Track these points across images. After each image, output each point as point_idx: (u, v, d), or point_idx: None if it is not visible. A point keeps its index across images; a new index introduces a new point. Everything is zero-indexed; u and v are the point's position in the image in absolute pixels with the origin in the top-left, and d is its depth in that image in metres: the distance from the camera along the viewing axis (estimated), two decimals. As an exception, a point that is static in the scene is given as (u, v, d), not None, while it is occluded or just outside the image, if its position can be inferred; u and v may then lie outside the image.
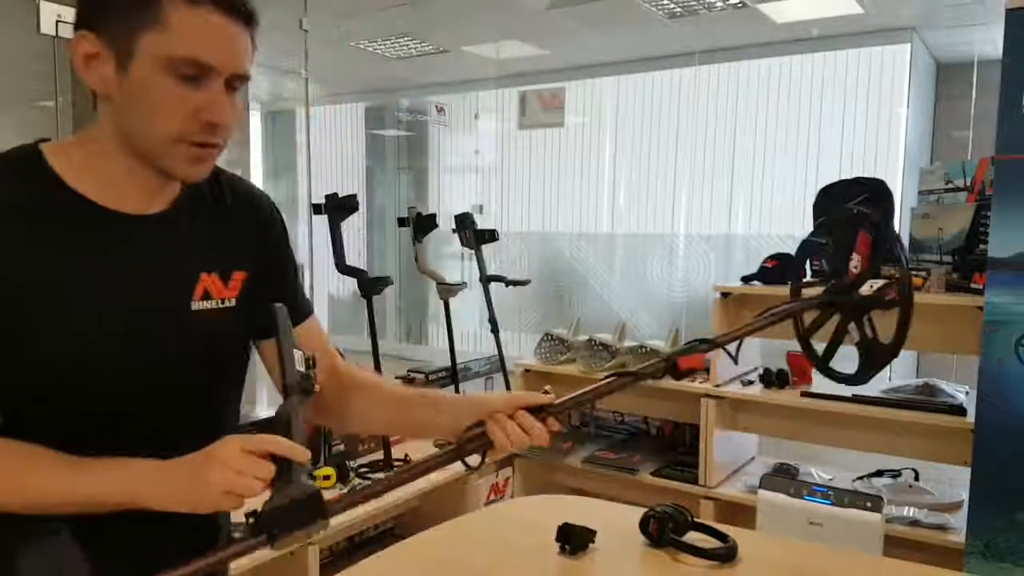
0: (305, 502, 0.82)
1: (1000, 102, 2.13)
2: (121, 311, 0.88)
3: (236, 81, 0.87)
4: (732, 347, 1.19)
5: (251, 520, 0.81)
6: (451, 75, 6.52)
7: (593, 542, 1.48)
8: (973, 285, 2.33)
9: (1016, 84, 2.11)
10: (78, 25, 0.85)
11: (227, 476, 0.79)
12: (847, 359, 1.32)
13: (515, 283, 3.71)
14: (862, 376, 1.27)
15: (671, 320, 5.99)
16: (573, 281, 6.68)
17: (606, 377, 1.07)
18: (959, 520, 2.40)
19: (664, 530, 1.48)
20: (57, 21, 3.14)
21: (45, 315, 0.83)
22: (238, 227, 1.00)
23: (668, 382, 2.87)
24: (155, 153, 0.86)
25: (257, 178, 6.12)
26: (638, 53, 5.98)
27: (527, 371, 3.20)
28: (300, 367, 0.90)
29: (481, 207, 6.82)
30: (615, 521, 1.56)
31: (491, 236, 3.56)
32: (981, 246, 2.30)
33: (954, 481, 2.64)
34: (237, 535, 0.84)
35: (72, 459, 0.83)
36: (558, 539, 1.47)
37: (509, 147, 6.77)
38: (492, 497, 3.06)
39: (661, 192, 6.19)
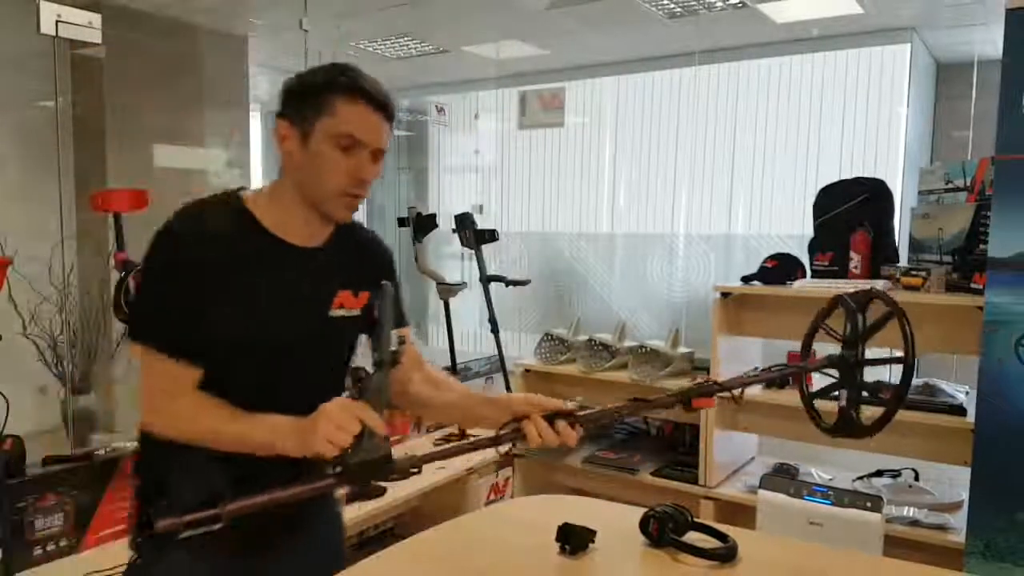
0: (380, 460, 1.08)
1: (1000, 102, 2.13)
2: (287, 307, 1.26)
3: (378, 153, 1.25)
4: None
5: (339, 469, 1.08)
6: (451, 75, 6.52)
7: (593, 542, 1.48)
8: (973, 285, 2.33)
9: (1016, 84, 2.11)
10: (279, 115, 1.25)
11: (330, 429, 1.08)
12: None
13: (515, 283, 3.71)
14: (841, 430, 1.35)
15: (671, 320, 5.98)
16: (573, 281, 6.67)
17: (628, 400, 1.33)
18: (959, 520, 2.40)
19: (664, 530, 1.48)
20: (57, 21, 3.13)
21: (243, 302, 1.21)
22: (364, 260, 1.40)
23: (669, 382, 2.88)
24: (321, 201, 1.25)
25: (257, 178, 6.11)
26: (638, 53, 5.98)
27: (527, 371, 3.19)
28: (393, 346, 1.17)
29: (481, 207, 6.81)
30: (615, 521, 1.56)
31: (491, 236, 3.56)
32: (981, 246, 2.30)
33: (954, 481, 2.64)
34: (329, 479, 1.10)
35: (239, 412, 1.18)
36: (558, 539, 1.47)
37: (509, 147, 6.77)
38: (492, 497, 3.06)
39: (661, 192, 6.18)
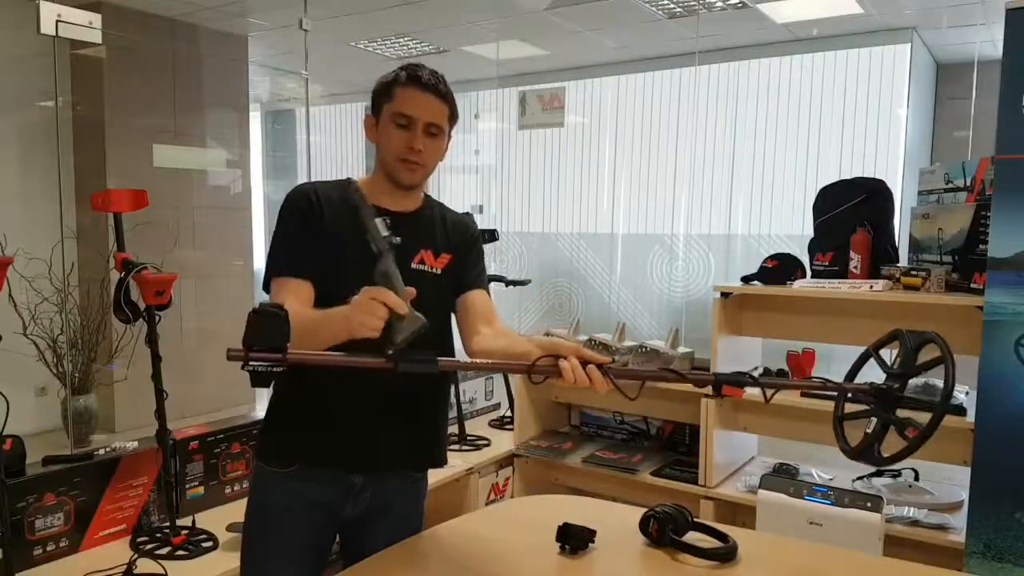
0: (418, 330, 1.23)
1: (1000, 102, 2.13)
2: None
3: (432, 128, 1.49)
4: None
5: (391, 352, 1.23)
6: (451, 75, 6.48)
7: (593, 542, 1.48)
8: (973, 285, 2.33)
9: (1016, 84, 2.11)
10: (369, 111, 1.57)
11: (361, 316, 1.23)
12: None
13: (515, 283, 3.71)
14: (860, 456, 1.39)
15: (671, 320, 5.99)
16: (573, 281, 6.68)
17: (661, 368, 1.40)
18: (959, 520, 2.40)
19: (664, 530, 1.48)
20: (57, 21, 3.13)
21: (348, 249, 1.43)
22: (448, 230, 1.62)
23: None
24: (391, 168, 1.52)
25: (257, 177, 6.12)
26: (638, 53, 5.98)
27: (527, 371, 3.20)
28: (384, 232, 1.32)
29: (481, 207, 6.82)
30: (615, 521, 1.56)
31: (491, 236, 3.56)
32: (981, 246, 2.29)
33: (954, 481, 2.64)
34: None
35: (316, 312, 1.37)
36: (558, 539, 1.47)
37: (509, 147, 6.77)
38: (492, 497, 3.06)
39: (661, 192, 6.19)
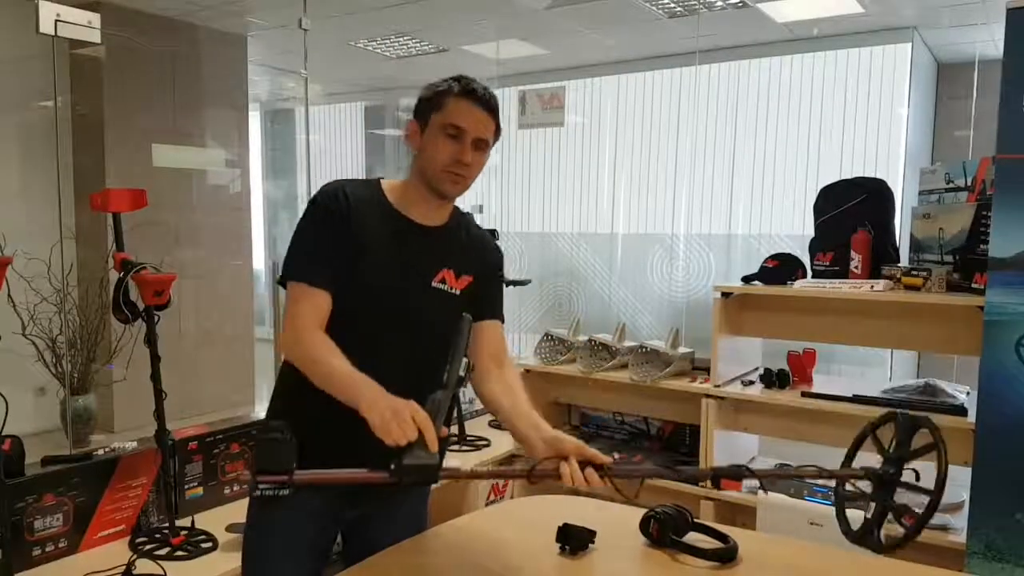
0: (428, 467, 1.21)
1: (1001, 101, 2.13)
2: (394, 264, 1.50)
3: (479, 143, 1.50)
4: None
5: (393, 467, 1.21)
6: (451, 75, 6.51)
7: (593, 542, 1.47)
8: (974, 285, 2.33)
9: (1017, 83, 2.11)
10: (411, 118, 1.55)
11: (392, 426, 1.22)
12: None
13: (515, 283, 3.71)
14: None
15: (671, 320, 5.98)
16: (573, 281, 6.67)
17: (665, 467, 1.48)
18: (959, 520, 2.40)
19: (664, 531, 1.48)
20: (56, 21, 3.13)
21: (371, 258, 1.48)
22: (472, 250, 1.62)
23: (669, 382, 2.88)
24: (432, 177, 1.49)
25: (257, 177, 6.12)
26: (638, 53, 5.97)
27: (527, 371, 3.19)
28: (462, 372, 1.29)
29: (481, 207, 6.81)
30: (615, 521, 1.56)
31: (491, 236, 3.56)
32: (982, 246, 2.29)
33: (954, 481, 2.63)
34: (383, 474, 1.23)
35: (351, 369, 1.36)
36: (558, 539, 1.47)
37: (509, 147, 6.77)
38: (492, 497, 3.06)
39: (661, 192, 6.18)
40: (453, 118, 1.47)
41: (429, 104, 1.52)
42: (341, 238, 1.47)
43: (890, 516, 1.38)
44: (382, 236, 1.50)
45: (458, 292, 1.56)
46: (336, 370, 1.36)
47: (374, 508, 1.58)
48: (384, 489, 1.40)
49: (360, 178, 1.58)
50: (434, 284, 1.53)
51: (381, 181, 1.58)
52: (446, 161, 1.47)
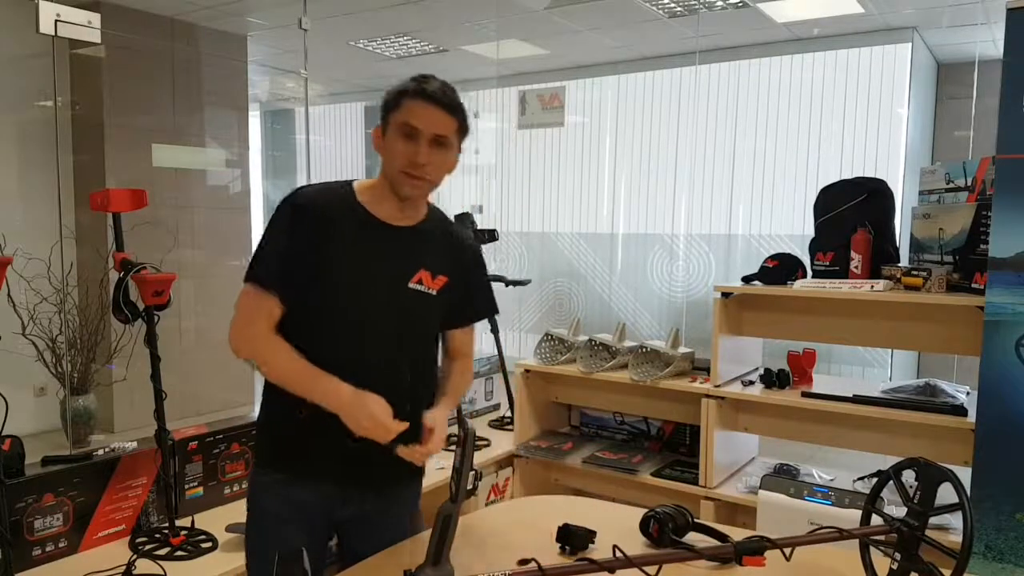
0: None
1: (1001, 101, 2.13)
2: (375, 273, 1.51)
3: (438, 140, 1.46)
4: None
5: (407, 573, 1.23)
6: (451, 74, 6.47)
7: (593, 543, 1.47)
8: (974, 285, 2.32)
9: (1017, 83, 2.11)
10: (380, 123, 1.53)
11: (366, 425, 1.38)
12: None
13: (515, 283, 3.70)
14: None
15: (671, 320, 5.99)
16: (573, 281, 6.67)
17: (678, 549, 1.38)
18: (959, 521, 2.39)
19: (664, 531, 1.48)
20: (56, 21, 3.13)
21: (340, 263, 1.48)
22: (448, 250, 1.61)
23: (669, 382, 2.88)
24: (394, 180, 1.49)
25: (256, 177, 6.11)
26: (638, 53, 5.98)
27: (527, 371, 3.19)
28: (470, 484, 1.27)
29: (481, 207, 6.81)
30: (615, 521, 1.56)
31: (491, 236, 3.55)
32: (982, 246, 2.29)
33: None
34: None
35: (317, 371, 1.43)
36: (558, 540, 1.47)
37: (509, 147, 6.77)
38: (492, 497, 3.06)
39: (661, 192, 6.18)
40: (407, 117, 1.45)
41: (387, 106, 1.50)
42: (306, 246, 1.46)
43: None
44: (354, 238, 1.49)
45: (435, 292, 1.56)
46: (306, 372, 1.43)
47: (368, 509, 1.57)
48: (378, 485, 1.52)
49: (333, 180, 1.58)
50: (411, 285, 1.53)
51: (353, 183, 1.56)
52: (402, 163, 1.46)
